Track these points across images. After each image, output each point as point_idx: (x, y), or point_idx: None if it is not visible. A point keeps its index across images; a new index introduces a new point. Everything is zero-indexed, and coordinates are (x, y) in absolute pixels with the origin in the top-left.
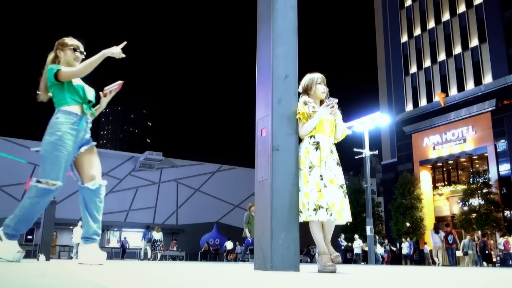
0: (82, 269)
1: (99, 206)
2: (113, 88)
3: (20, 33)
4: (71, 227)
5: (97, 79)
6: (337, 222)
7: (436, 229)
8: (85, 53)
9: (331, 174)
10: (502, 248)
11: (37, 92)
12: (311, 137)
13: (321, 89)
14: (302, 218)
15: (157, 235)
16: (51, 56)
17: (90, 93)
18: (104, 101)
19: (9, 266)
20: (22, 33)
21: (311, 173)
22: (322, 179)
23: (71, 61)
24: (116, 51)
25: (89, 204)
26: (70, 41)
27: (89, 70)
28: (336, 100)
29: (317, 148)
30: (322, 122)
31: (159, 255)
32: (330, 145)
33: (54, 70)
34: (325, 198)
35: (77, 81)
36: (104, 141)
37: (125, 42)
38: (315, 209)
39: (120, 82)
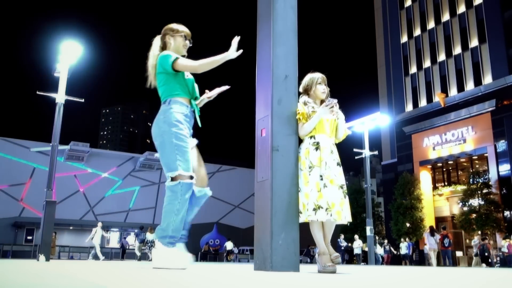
0: (82, 269)
1: (193, 212)
2: (219, 91)
3: (19, 34)
4: (71, 227)
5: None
6: (337, 222)
7: (432, 232)
8: (192, 42)
9: (331, 174)
10: (506, 250)
11: (148, 79)
12: (311, 137)
13: (321, 89)
14: (302, 219)
15: (151, 236)
16: (158, 41)
17: (197, 89)
18: (203, 101)
19: (8, 267)
20: (21, 33)
21: (311, 173)
22: (322, 179)
23: (180, 48)
24: (235, 55)
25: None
26: (181, 27)
27: (208, 68)
28: (335, 101)
29: (317, 148)
30: (322, 122)
31: (150, 255)
32: (330, 145)
33: (172, 58)
34: (324, 198)
35: (188, 75)
36: (104, 142)
37: (237, 38)
38: (314, 209)
39: (227, 87)
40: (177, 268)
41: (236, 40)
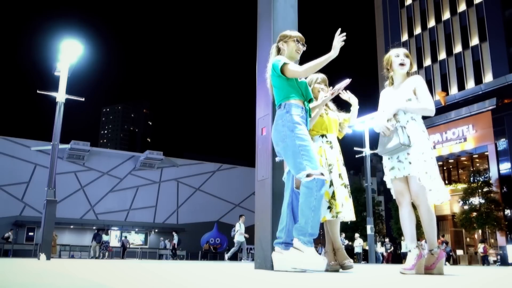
0: (82, 269)
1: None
2: (341, 86)
3: (19, 33)
4: (71, 226)
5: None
6: (345, 219)
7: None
8: (306, 46)
9: (342, 173)
10: (482, 251)
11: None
12: (323, 136)
13: (319, 88)
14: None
15: (106, 238)
16: (274, 50)
17: (310, 91)
18: (327, 99)
19: (9, 266)
20: (21, 33)
21: (332, 171)
22: (340, 177)
23: (293, 53)
24: (337, 54)
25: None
26: (294, 33)
27: (313, 71)
28: (348, 81)
29: (331, 147)
30: (330, 122)
31: (106, 254)
32: (338, 145)
33: (281, 63)
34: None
35: (301, 78)
36: (105, 140)
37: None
38: (343, 205)
39: (348, 80)
40: (316, 271)
41: (341, 38)
